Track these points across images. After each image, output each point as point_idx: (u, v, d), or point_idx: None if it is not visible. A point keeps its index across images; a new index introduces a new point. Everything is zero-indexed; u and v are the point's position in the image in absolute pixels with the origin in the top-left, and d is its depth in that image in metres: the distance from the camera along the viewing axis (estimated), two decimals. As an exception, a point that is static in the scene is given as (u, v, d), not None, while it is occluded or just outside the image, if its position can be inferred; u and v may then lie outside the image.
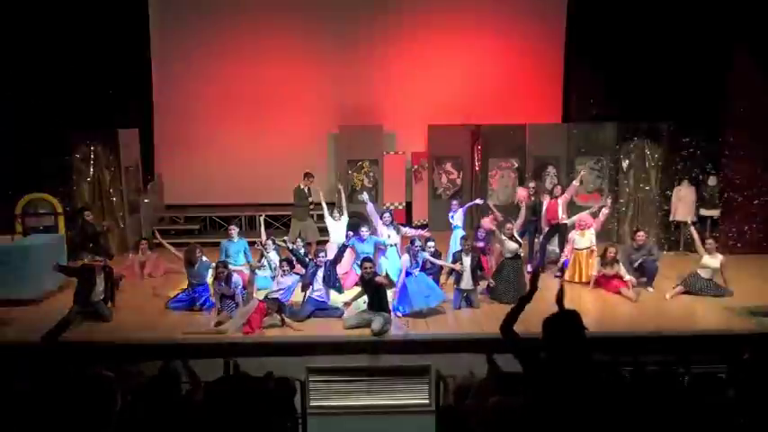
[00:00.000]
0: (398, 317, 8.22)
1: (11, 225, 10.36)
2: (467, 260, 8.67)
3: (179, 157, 13.76)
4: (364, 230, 9.38)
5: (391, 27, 13.74)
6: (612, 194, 12.10)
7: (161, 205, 13.68)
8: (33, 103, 11.24)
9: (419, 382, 7.56)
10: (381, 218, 9.76)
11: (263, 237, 9.45)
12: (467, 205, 10.43)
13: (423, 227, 12.31)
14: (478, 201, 10.84)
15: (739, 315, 8.25)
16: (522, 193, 10.55)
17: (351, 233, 9.65)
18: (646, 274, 9.44)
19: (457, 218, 10.07)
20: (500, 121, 13.11)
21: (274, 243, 9.42)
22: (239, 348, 7.48)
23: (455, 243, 9.61)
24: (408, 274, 8.49)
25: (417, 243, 8.68)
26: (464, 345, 7.62)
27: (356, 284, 9.07)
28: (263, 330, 7.85)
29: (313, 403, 7.39)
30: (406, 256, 8.69)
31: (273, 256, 9.28)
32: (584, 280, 9.63)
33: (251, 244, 9.94)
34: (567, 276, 9.78)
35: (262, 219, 10.33)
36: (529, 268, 10.17)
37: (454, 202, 10.41)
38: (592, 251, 9.68)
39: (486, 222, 9.70)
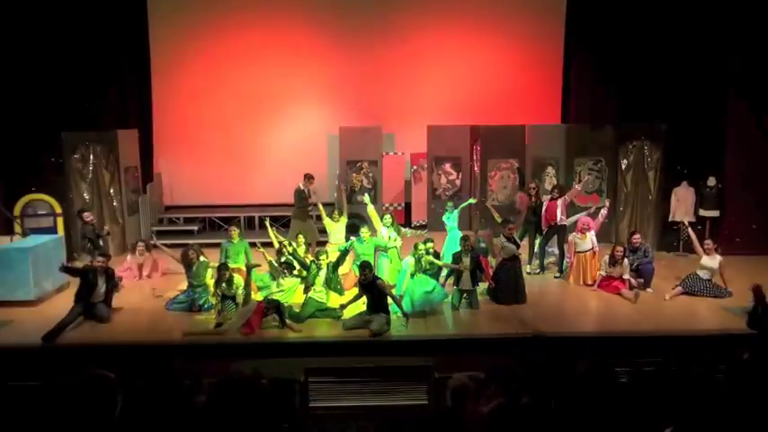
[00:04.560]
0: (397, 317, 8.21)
1: (10, 226, 10.35)
2: (466, 260, 8.66)
3: (178, 158, 13.76)
4: (364, 231, 9.36)
5: (390, 28, 13.75)
6: (611, 196, 12.11)
7: (160, 206, 13.68)
8: (32, 103, 11.23)
9: (418, 383, 7.56)
10: (382, 220, 9.75)
11: (275, 241, 9.39)
12: (461, 206, 10.39)
13: (422, 227, 12.32)
14: (472, 200, 10.79)
15: (737, 315, 8.25)
16: (522, 199, 10.52)
17: (353, 237, 9.60)
18: (642, 275, 9.45)
19: (452, 219, 10.06)
20: (499, 122, 13.12)
21: (291, 245, 9.24)
22: (239, 349, 7.49)
23: (452, 244, 9.60)
24: (412, 276, 8.49)
25: (421, 247, 8.67)
26: (463, 345, 7.63)
27: (355, 285, 9.08)
28: (263, 331, 7.85)
29: (312, 404, 7.39)
30: (409, 259, 8.68)
31: (297, 257, 8.97)
32: (588, 282, 9.64)
33: (251, 245, 9.93)
34: (571, 280, 9.79)
35: (267, 222, 10.11)
36: (528, 269, 10.20)
37: (449, 203, 10.39)
38: (594, 253, 9.69)
39: (488, 236, 9.64)
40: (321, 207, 10.35)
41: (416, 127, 13.53)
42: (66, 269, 8.50)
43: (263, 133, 13.86)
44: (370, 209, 10.04)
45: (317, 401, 7.43)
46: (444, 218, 10.18)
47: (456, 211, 10.12)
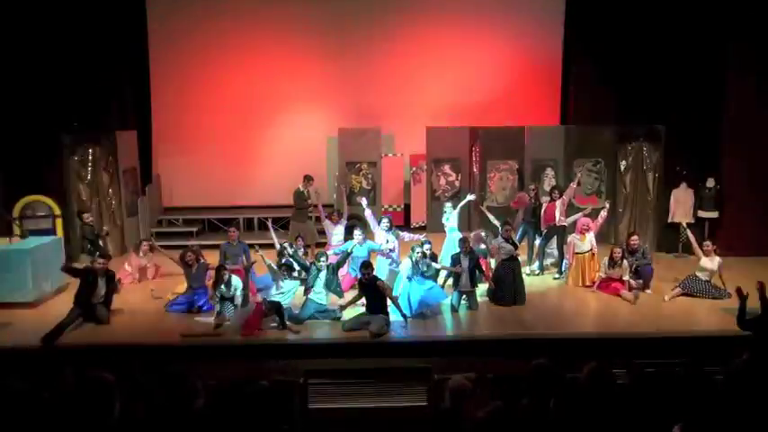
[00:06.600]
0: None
1: (9, 227, 10.34)
2: (465, 261, 8.66)
3: (177, 159, 13.75)
4: (357, 234, 9.32)
5: (390, 30, 13.75)
6: (611, 197, 12.10)
7: (159, 207, 13.67)
8: (31, 105, 11.22)
9: (418, 384, 7.56)
10: (380, 223, 9.73)
11: (276, 242, 9.37)
12: (459, 206, 10.38)
13: (421, 229, 12.30)
14: (470, 197, 10.75)
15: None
16: (522, 199, 10.49)
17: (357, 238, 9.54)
18: (642, 277, 9.45)
19: (452, 220, 10.04)
20: (498, 123, 13.12)
21: (292, 247, 9.15)
22: (238, 351, 7.49)
23: (452, 245, 9.58)
24: (409, 278, 8.49)
25: (418, 250, 8.65)
26: (463, 347, 7.63)
27: (352, 287, 9.07)
28: (262, 332, 7.85)
29: (311, 406, 7.38)
30: (407, 262, 8.67)
31: (297, 259, 8.85)
32: (587, 283, 9.64)
33: (250, 247, 9.92)
34: (570, 281, 9.79)
35: (269, 223, 10.07)
36: (527, 270, 10.19)
37: (448, 204, 10.39)
38: (593, 254, 9.69)
39: (473, 240, 9.48)
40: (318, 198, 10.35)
41: (415, 128, 13.51)
42: (67, 269, 8.52)
43: (263, 135, 13.86)
44: (368, 213, 10.01)
45: (316, 403, 7.44)
46: (444, 219, 10.17)
47: (456, 212, 10.08)
